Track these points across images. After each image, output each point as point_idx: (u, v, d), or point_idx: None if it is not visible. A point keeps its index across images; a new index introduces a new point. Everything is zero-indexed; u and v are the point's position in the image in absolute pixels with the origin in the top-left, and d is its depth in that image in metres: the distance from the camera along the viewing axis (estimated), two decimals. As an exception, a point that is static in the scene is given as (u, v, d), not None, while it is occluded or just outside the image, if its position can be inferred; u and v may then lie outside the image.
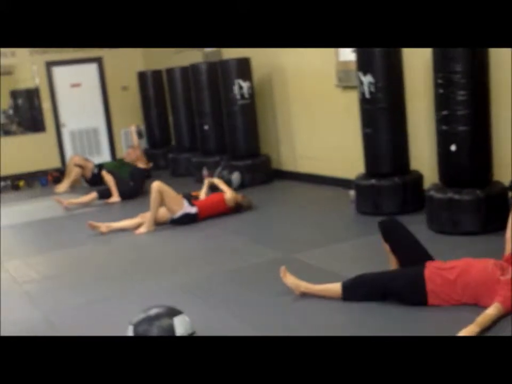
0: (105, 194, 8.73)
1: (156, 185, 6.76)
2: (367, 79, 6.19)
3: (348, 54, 7.29)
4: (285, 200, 7.95)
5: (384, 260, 4.39)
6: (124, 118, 12.20)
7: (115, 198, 8.69)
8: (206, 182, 7.60)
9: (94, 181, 9.92)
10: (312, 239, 5.94)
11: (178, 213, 6.83)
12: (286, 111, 8.84)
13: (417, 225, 5.32)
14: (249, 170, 8.71)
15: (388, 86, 6.22)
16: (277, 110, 9.04)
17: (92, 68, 12.08)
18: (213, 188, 7.45)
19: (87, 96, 12.03)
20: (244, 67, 8.69)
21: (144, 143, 11.31)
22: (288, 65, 8.58)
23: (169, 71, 10.51)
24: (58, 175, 11.07)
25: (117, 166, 9.77)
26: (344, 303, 4.18)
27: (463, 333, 3.43)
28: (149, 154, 10.69)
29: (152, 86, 11.33)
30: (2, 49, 11.09)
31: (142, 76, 11.45)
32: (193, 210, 6.89)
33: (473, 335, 3.42)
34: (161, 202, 6.78)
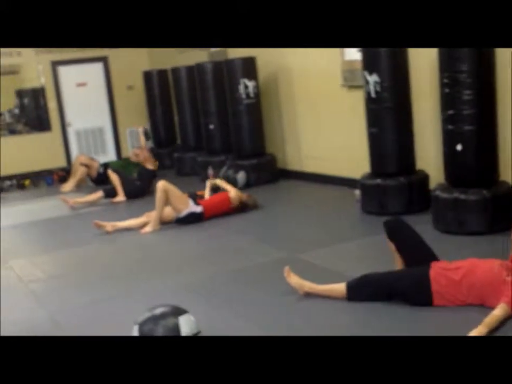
0: (111, 193, 8.75)
1: (161, 184, 6.76)
2: (373, 78, 6.18)
3: (353, 54, 7.28)
4: (290, 200, 7.95)
5: (389, 260, 4.38)
6: (129, 117, 12.22)
7: (120, 197, 8.70)
8: (208, 184, 7.56)
9: (100, 180, 9.94)
10: (317, 238, 5.94)
11: (184, 212, 6.83)
12: (291, 111, 8.84)
13: (423, 225, 5.30)
14: (254, 170, 8.70)
15: (394, 86, 6.20)
16: (282, 109, 9.03)
17: (98, 67, 12.09)
18: (216, 189, 7.42)
19: (92, 95, 12.04)
20: (249, 66, 8.69)
21: (150, 144, 11.31)
22: (293, 64, 8.57)
23: (175, 71, 10.52)
24: (64, 174, 11.09)
25: (123, 165, 9.79)
26: (349, 303, 4.17)
27: (472, 334, 3.42)
28: (154, 154, 10.67)
29: (157, 86, 11.34)
30: (8, 49, 11.10)
31: (147, 75, 11.45)
32: (198, 209, 6.89)
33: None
34: (167, 202, 6.79)
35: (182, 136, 10.71)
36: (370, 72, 6.20)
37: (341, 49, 7.52)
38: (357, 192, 6.82)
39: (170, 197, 6.76)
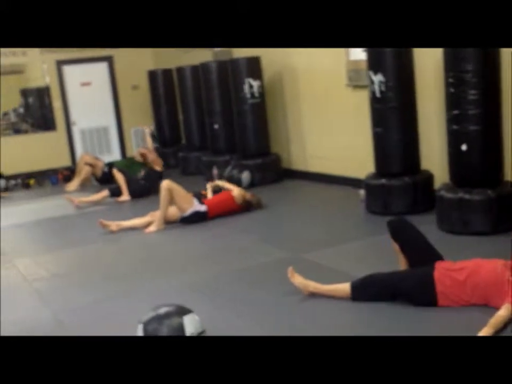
0: (116, 192, 8.77)
1: (166, 183, 6.77)
2: (378, 78, 6.17)
3: (358, 53, 7.27)
4: (294, 200, 7.94)
5: (394, 260, 4.37)
6: (134, 116, 12.24)
7: (125, 196, 8.72)
8: (209, 186, 7.47)
9: (104, 179, 9.95)
10: (322, 238, 5.93)
11: (188, 211, 6.83)
12: (296, 110, 8.83)
13: (427, 225, 5.30)
14: (259, 170, 8.70)
15: (399, 86, 6.19)
16: (287, 109, 9.03)
17: (102, 67, 12.10)
18: (218, 191, 7.38)
19: (97, 95, 12.06)
20: (254, 66, 8.69)
21: (156, 144, 11.32)
22: (298, 64, 8.56)
23: (180, 70, 10.52)
24: (68, 173, 11.10)
25: (127, 164, 9.79)
26: (353, 303, 4.17)
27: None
28: (159, 153, 10.69)
29: (162, 85, 11.35)
30: (13, 48, 11.12)
31: (152, 75, 11.46)
32: (203, 208, 6.89)
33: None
34: (171, 201, 6.79)
35: (187, 135, 10.72)
36: (375, 72, 6.19)
37: (346, 49, 7.51)
38: (362, 192, 6.81)
39: (175, 196, 6.77)
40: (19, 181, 11.08)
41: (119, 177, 8.86)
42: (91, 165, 10.19)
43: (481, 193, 5.41)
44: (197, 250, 6.05)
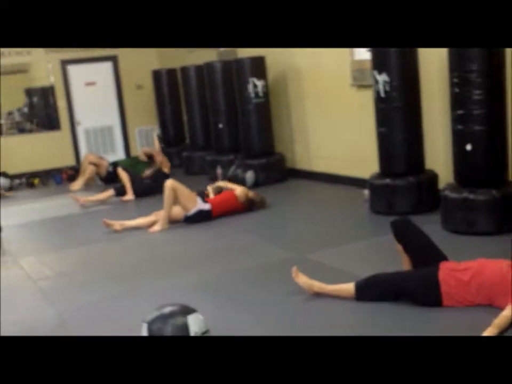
0: (121, 191, 8.79)
1: (170, 183, 6.77)
2: (382, 78, 6.16)
3: (363, 53, 7.26)
4: (298, 199, 7.94)
5: (398, 260, 4.37)
6: (138, 116, 12.26)
7: (129, 195, 8.73)
8: (210, 188, 7.42)
9: (109, 178, 9.96)
10: (326, 238, 5.93)
11: (192, 210, 6.84)
12: (300, 110, 8.83)
13: (431, 225, 5.29)
14: (263, 169, 8.70)
15: (403, 85, 6.19)
16: (291, 108, 9.02)
17: (107, 67, 12.12)
18: (219, 192, 7.36)
19: (101, 94, 12.08)
20: (258, 66, 8.69)
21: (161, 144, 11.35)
22: (303, 64, 8.56)
23: (184, 70, 10.52)
24: (73, 173, 11.11)
25: (132, 164, 9.81)
26: (357, 303, 4.17)
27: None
28: (163, 153, 10.70)
29: (166, 85, 11.35)
30: (18, 48, 11.15)
31: (156, 75, 11.47)
32: (206, 206, 6.90)
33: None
34: (175, 201, 6.80)
35: (191, 135, 10.72)
36: (380, 72, 6.18)
37: (350, 48, 7.51)
38: (366, 192, 6.80)
39: (179, 195, 6.77)
40: (23, 180, 11.11)
41: (124, 176, 8.87)
42: (95, 165, 10.20)
43: (486, 193, 5.41)
44: (201, 249, 6.06)
